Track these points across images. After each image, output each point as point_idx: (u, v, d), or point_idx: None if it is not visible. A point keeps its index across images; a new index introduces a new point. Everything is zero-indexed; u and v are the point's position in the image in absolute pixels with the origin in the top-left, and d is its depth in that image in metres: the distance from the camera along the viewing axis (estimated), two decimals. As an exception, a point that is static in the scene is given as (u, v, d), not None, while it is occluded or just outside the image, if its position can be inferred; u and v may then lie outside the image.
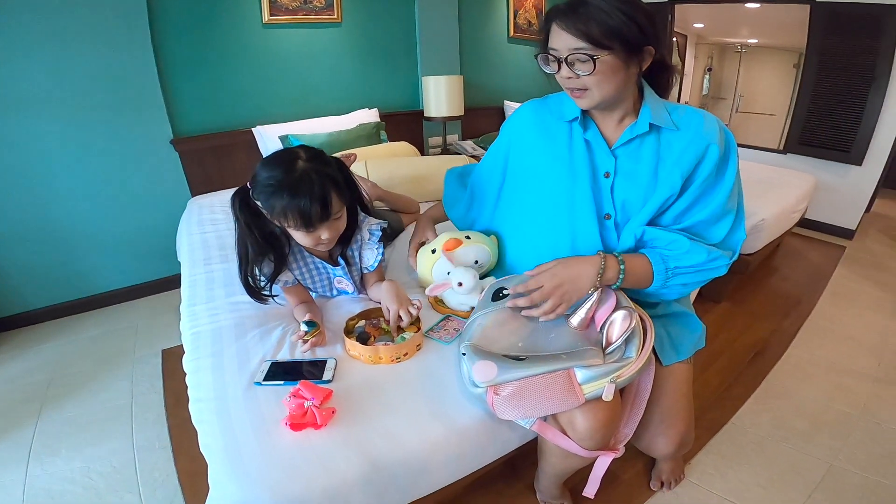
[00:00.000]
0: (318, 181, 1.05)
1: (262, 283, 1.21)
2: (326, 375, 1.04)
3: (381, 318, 1.21)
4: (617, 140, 1.07)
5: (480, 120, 3.53)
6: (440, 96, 2.98)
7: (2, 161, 2.11)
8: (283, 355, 1.13)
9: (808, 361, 1.95)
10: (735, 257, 1.06)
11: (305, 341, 1.12)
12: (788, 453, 1.49)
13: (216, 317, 1.29)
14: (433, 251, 1.34)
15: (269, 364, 1.08)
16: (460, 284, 1.24)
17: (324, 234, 1.11)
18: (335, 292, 1.41)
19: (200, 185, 2.59)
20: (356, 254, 1.32)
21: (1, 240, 2.20)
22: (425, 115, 3.11)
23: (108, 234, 2.44)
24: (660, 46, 0.97)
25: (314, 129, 2.67)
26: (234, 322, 1.26)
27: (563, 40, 0.93)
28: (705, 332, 1.19)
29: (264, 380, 1.03)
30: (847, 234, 3.33)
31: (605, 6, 0.90)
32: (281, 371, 1.06)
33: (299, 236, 1.13)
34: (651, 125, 1.03)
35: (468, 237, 1.32)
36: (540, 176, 1.15)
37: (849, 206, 3.29)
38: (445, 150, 3.24)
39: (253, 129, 2.61)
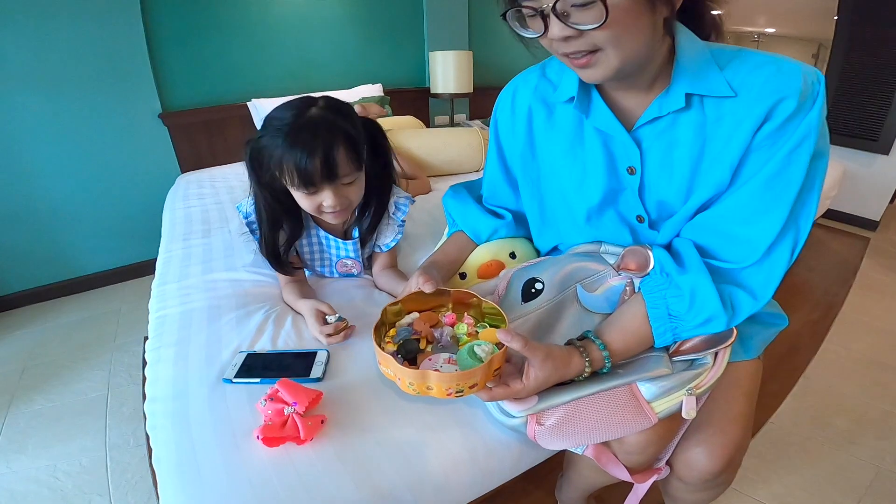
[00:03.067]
0: (327, 133, 0.88)
1: (283, 249, 1.05)
2: (315, 372, 0.82)
3: (443, 311, 0.82)
4: (641, 117, 0.74)
5: (490, 99, 3.33)
6: (448, 72, 2.88)
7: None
8: (263, 345, 0.91)
9: (844, 356, 1.88)
10: (737, 319, 0.69)
11: (333, 334, 0.92)
12: (833, 455, 1.42)
13: (188, 297, 1.07)
14: (462, 275, 0.99)
15: (243, 356, 0.86)
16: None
17: (326, 200, 0.92)
18: (335, 273, 1.19)
19: (191, 161, 2.48)
20: (374, 233, 1.12)
21: (-24, 219, 2.10)
22: (432, 91, 3.01)
23: (91, 214, 2.32)
24: None
25: None
26: (207, 303, 1.04)
27: None
28: (784, 326, 0.95)
29: (236, 376, 0.81)
30: (871, 225, 3.22)
31: None
32: (258, 365, 0.83)
33: (299, 198, 0.95)
34: (692, 96, 0.69)
35: (513, 254, 0.97)
36: (547, 176, 0.87)
37: (874, 197, 3.19)
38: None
39: (248, 103, 2.48)
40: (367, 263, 1.21)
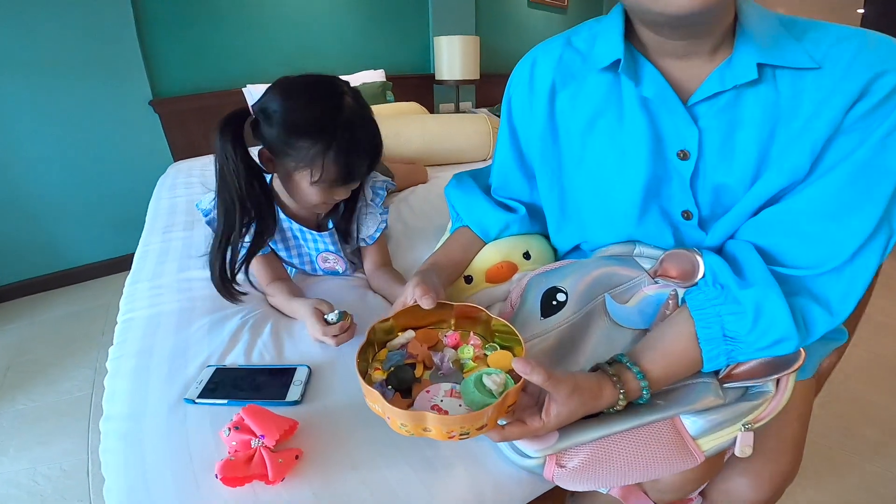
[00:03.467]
0: (371, 128, 0.83)
1: (239, 262, 0.88)
2: (292, 394, 0.69)
3: (444, 329, 0.70)
4: (696, 91, 0.61)
5: (497, 87, 3.33)
6: (454, 58, 2.79)
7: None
8: (236, 357, 0.79)
9: (870, 361, 1.79)
10: (811, 338, 0.57)
11: (339, 334, 0.82)
12: (861, 468, 1.36)
13: (158, 298, 0.95)
14: (467, 279, 0.85)
15: (211, 371, 0.74)
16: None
17: (340, 195, 0.88)
18: (319, 270, 1.07)
19: (184, 149, 2.41)
20: (353, 223, 0.99)
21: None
22: (436, 78, 2.93)
23: (80, 204, 2.25)
24: None
25: None
26: (179, 306, 0.92)
27: None
28: (844, 342, 0.83)
29: (200, 396, 0.69)
30: None
31: None
32: (228, 383, 0.71)
33: (312, 192, 0.84)
34: (763, 67, 0.58)
35: (528, 254, 0.83)
36: (571, 163, 0.74)
37: None
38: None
39: (243, 90, 2.38)
40: (357, 262, 1.09)
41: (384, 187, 1.01)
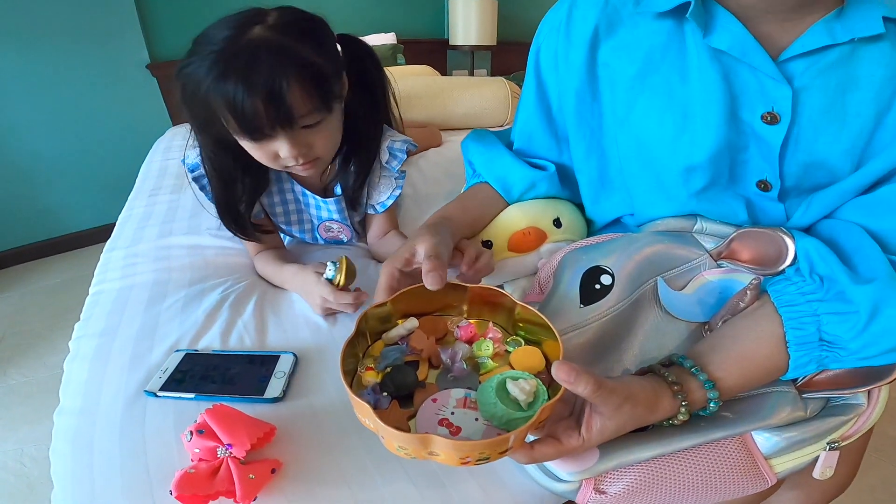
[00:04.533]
0: (273, 61, 0.63)
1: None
2: (272, 389, 0.57)
3: (455, 318, 0.57)
4: (792, 45, 0.52)
5: (514, 56, 3.00)
6: (469, 21, 2.68)
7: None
8: (210, 341, 0.67)
9: None
10: None
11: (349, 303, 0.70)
12: (882, 468, 1.34)
13: (132, 268, 0.84)
14: (486, 244, 0.72)
15: (179, 357, 0.62)
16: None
17: (282, 150, 0.69)
18: (319, 239, 0.95)
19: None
20: (363, 188, 0.87)
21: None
22: (451, 43, 2.84)
23: (75, 169, 2.21)
24: None
25: None
26: (153, 277, 0.80)
27: None
28: None
29: (163, 388, 0.57)
30: None
31: None
32: (197, 372, 0.60)
33: (248, 147, 0.71)
34: (888, 22, 0.49)
35: (558, 222, 0.72)
36: (614, 127, 0.64)
37: None
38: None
39: None
40: (361, 229, 0.96)
41: (404, 149, 0.86)
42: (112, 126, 2.21)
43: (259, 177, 0.81)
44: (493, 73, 3.15)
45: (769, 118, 0.53)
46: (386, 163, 0.85)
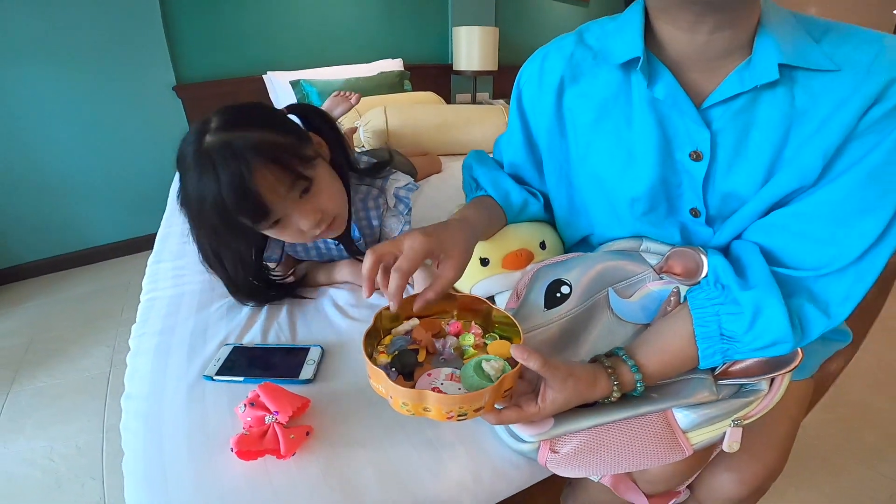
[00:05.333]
0: (235, 156, 0.69)
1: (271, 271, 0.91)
2: (305, 373, 0.72)
3: (447, 319, 0.70)
4: (712, 94, 0.61)
5: (514, 79, 3.25)
6: (472, 48, 2.81)
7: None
8: (253, 337, 0.82)
9: (878, 367, 1.78)
10: (806, 340, 0.58)
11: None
12: (856, 471, 1.37)
13: (181, 279, 1.00)
14: (483, 261, 0.84)
15: (228, 350, 0.77)
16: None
17: (302, 224, 0.76)
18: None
19: None
20: (374, 223, 0.98)
21: (-11, 189, 2.12)
22: (454, 68, 2.96)
23: (102, 185, 2.32)
24: None
25: (330, 75, 2.45)
26: (200, 286, 0.96)
27: None
28: (847, 343, 0.86)
29: (218, 373, 0.72)
30: None
31: None
32: (244, 361, 0.75)
33: (275, 234, 0.79)
34: (783, 67, 0.57)
35: (544, 244, 0.84)
36: (578, 158, 0.75)
37: None
38: (475, 108, 3.04)
39: (263, 76, 2.45)
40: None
41: (408, 196, 0.97)
42: (137, 145, 2.32)
43: (254, 236, 0.85)
44: (494, 96, 3.27)
45: (695, 156, 0.63)
46: (395, 206, 0.96)
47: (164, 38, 2.21)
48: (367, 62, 2.67)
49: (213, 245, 0.81)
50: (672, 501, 0.75)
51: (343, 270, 0.96)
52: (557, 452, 0.60)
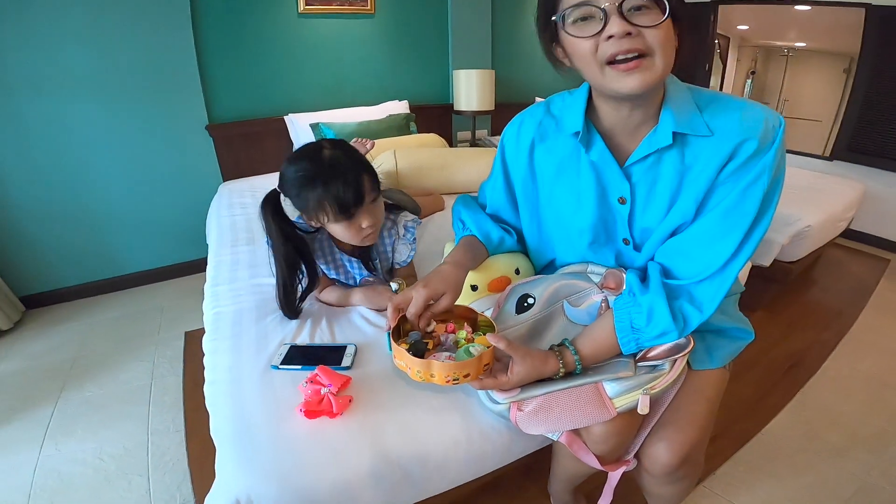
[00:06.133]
0: (348, 164, 1.03)
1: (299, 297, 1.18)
2: (345, 362, 1.00)
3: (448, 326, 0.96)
4: (631, 155, 0.83)
5: (510, 115, 3.33)
6: (471, 90, 2.96)
7: (42, 139, 2.16)
8: (303, 339, 1.10)
9: (846, 375, 1.87)
10: (687, 330, 0.82)
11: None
12: (819, 467, 1.44)
13: (238, 298, 1.27)
14: (473, 287, 1.10)
15: (287, 347, 1.05)
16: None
17: (364, 222, 1.07)
18: (358, 283, 1.37)
19: (231, 170, 2.63)
20: (388, 248, 1.27)
21: (35, 217, 2.25)
22: (455, 108, 3.09)
23: (139, 216, 2.47)
24: (684, 30, 0.74)
25: (345, 118, 2.66)
26: (255, 304, 1.23)
27: None
28: (750, 340, 1.04)
29: (282, 363, 1.00)
30: (892, 246, 3.16)
31: None
32: (299, 355, 1.02)
33: (339, 230, 1.08)
34: (676, 134, 0.78)
35: (518, 271, 1.09)
36: (545, 201, 0.98)
37: (895, 217, 3.12)
38: (474, 144, 3.22)
39: (285, 118, 2.63)
40: (388, 278, 1.36)
41: (413, 227, 1.26)
42: (171, 179, 2.47)
43: (312, 269, 1.17)
44: (492, 133, 3.41)
45: (622, 201, 0.86)
46: (403, 235, 1.25)
47: (199, 81, 2.38)
48: (376, 103, 2.86)
49: (287, 257, 1.10)
50: (623, 468, 0.93)
51: (356, 297, 1.22)
52: (522, 411, 0.85)
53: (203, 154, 2.54)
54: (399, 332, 0.90)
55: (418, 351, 0.85)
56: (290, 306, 1.15)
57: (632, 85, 0.70)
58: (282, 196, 1.09)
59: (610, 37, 0.68)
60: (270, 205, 1.09)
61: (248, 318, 1.18)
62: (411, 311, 0.87)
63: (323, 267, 1.26)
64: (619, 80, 0.71)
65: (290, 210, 1.10)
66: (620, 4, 0.66)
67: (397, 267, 1.31)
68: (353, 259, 1.26)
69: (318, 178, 1.01)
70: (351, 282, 1.33)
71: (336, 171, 1.01)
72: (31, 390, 1.77)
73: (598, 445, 0.89)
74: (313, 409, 0.85)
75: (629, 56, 0.69)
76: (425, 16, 3.05)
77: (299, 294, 1.17)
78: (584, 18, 0.70)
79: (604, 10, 0.67)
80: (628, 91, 0.71)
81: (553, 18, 0.74)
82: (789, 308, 2.37)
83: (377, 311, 1.18)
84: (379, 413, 0.90)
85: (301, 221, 1.14)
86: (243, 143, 2.62)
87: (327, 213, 1.04)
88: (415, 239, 1.27)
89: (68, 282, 2.40)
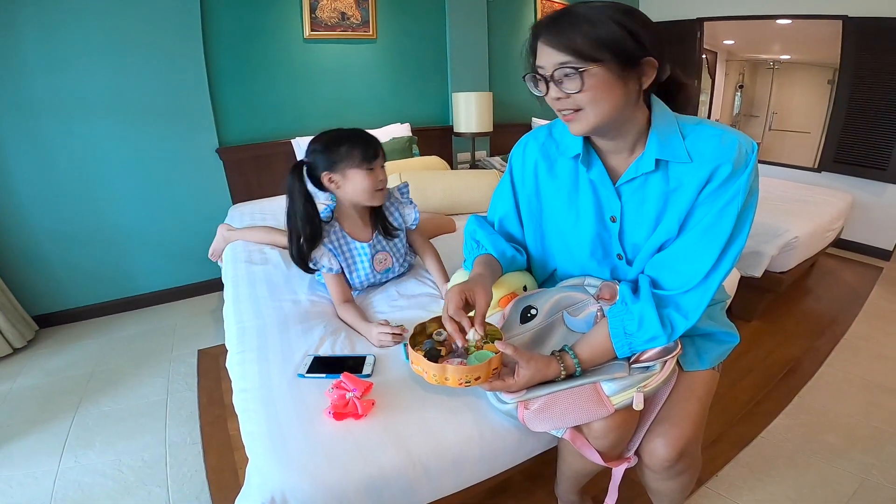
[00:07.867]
0: (365, 132, 1.37)
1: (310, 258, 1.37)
2: (366, 370, 1.09)
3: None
4: (622, 176, 0.93)
5: (509, 136, 3.46)
6: (470, 112, 3.05)
7: (61, 161, 2.25)
8: (326, 350, 1.19)
9: (842, 379, 1.92)
10: (675, 335, 0.90)
11: (394, 335, 1.22)
12: (820, 467, 1.47)
13: (260, 313, 1.35)
14: None
15: (311, 358, 1.13)
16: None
17: (381, 175, 1.35)
18: (378, 277, 1.48)
19: (241, 193, 2.70)
20: (396, 214, 1.49)
21: (52, 237, 2.32)
22: (455, 130, 3.19)
23: (153, 237, 2.55)
24: (662, 58, 0.84)
25: None
26: (277, 319, 1.31)
27: (547, 56, 0.83)
28: (736, 343, 1.12)
29: (307, 372, 1.08)
30: (884, 254, 3.23)
31: (593, 15, 0.80)
32: (323, 365, 1.11)
33: (360, 178, 1.32)
34: (659, 161, 0.88)
35: (525, 288, 1.17)
36: (547, 217, 1.08)
37: (886, 226, 3.21)
38: (474, 165, 3.31)
39: (292, 141, 2.71)
40: (410, 258, 1.57)
41: (405, 188, 1.53)
42: (183, 201, 2.54)
43: (316, 232, 1.37)
44: (491, 153, 3.51)
45: (613, 219, 0.96)
46: (401, 200, 1.51)
47: (210, 106, 2.47)
48: (379, 126, 2.95)
49: (304, 214, 1.33)
50: (625, 465, 0.99)
51: (372, 333, 1.26)
52: (529, 409, 0.94)
53: (214, 177, 2.62)
54: (414, 342, 1.00)
55: (432, 357, 0.94)
56: (303, 258, 1.36)
57: (573, 130, 0.88)
58: (304, 169, 1.34)
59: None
60: (297, 171, 1.32)
61: (271, 331, 1.26)
62: (450, 308, 0.95)
63: (340, 259, 1.40)
64: (567, 124, 0.89)
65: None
66: (552, 76, 0.83)
67: (410, 230, 1.50)
68: (365, 244, 1.43)
69: (346, 136, 1.32)
70: (354, 276, 1.44)
71: (360, 132, 1.35)
72: (48, 404, 1.81)
73: (599, 441, 0.96)
74: (340, 412, 0.93)
75: (564, 111, 0.87)
76: (425, 40, 3.17)
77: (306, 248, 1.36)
78: (535, 83, 0.88)
79: (544, 78, 0.85)
80: (573, 133, 0.89)
81: (524, 77, 0.90)
82: (784, 317, 2.45)
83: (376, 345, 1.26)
84: (400, 414, 0.98)
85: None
86: (252, 166, 2.70)
87: (355, 157, 1.30)
88: (411, 200, 1.53)
89: (83, 301, 2.46)
